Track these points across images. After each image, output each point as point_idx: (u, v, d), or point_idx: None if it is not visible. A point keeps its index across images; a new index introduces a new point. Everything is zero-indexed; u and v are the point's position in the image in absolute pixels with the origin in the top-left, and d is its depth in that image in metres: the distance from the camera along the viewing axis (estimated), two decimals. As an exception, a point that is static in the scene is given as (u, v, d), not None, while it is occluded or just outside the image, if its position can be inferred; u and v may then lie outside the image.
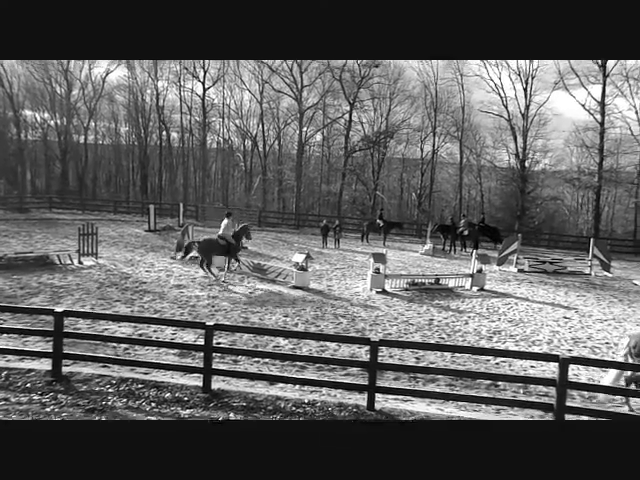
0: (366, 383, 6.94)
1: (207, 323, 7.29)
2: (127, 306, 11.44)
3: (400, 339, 10.27)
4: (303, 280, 14.47)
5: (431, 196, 41.86)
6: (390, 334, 10.72)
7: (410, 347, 9.24)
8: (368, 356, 7.16)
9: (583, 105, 36.18)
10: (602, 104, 35.12)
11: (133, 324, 9.83)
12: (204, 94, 39.51)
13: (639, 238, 36.39)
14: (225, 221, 15.21)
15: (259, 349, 9.18)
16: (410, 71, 40.08)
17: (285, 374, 7.98)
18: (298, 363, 8.56)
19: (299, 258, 14.71)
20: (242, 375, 7.68)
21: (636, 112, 35.71)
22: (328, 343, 9.63)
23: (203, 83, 39.24)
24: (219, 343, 8.90)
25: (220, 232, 15.07)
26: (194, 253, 15.10)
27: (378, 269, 14.80)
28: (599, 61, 34.31)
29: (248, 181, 42.31)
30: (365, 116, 40.40)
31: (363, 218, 33.64)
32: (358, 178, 41.25)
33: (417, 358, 9.31)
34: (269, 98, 39.63)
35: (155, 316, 10.66)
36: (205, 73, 39.03)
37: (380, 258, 14.90)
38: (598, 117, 35.42)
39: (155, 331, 9.77)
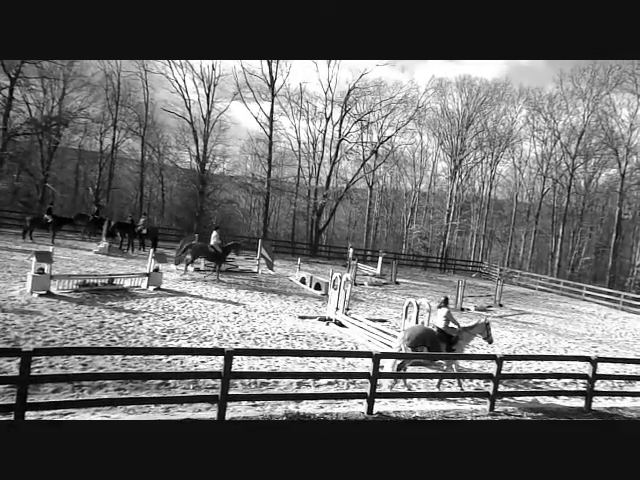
0: (13, 402, 5.97)
1: None
2: None
3: (64, 346, 9.29)
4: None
5: (110, 192, 39.74)
6: (53, 341, 9.61)
7: (72, 353, 8.43)
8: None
9: (256, 118, 39.99)
10: (271, 119, 39.39)
11: None
12: None
13: (296, 240, 42.19)
14: (214, 233, 19.80)
15: None
16: (89, 56, 36.92)
17: None
18: None
19: None
20: None
21: (296, 131, 41.38)
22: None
23: None
24: None
25: (212, 242, 19.38)
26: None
27: (42, 269, 13.15)
28: (269, 80, 38.41)
29: None
30: (32, 96, 35.52)
31: (28, 212, 29.58)
32: (22, 166, 36.08)
33: (84, 365, 8.57)
34: None
35: None
36: None
37: (45, 257, 13.26)
38: (268, 130, 39.61)
39: None
